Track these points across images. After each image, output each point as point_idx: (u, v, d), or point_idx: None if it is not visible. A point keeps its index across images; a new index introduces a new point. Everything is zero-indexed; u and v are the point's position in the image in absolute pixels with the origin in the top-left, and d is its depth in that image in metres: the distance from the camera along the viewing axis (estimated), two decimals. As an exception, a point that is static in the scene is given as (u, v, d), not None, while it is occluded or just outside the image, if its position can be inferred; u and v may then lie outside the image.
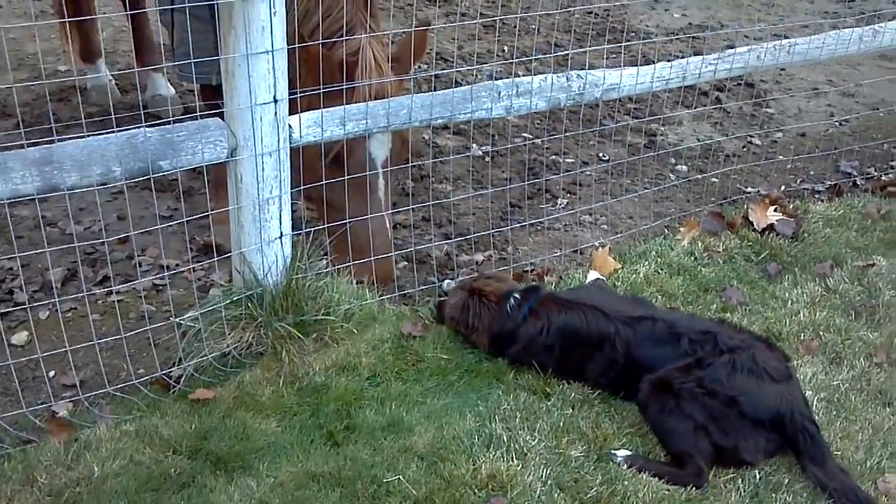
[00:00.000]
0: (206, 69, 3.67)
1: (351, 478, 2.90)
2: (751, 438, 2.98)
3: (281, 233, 3.28)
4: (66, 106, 5.54)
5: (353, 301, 3.54)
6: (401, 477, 2.90)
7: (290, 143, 3.18)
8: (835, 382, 3.41)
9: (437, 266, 4.19)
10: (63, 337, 3.24)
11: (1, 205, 3.35)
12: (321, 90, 3.36)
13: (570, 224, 4.55)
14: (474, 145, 5.29)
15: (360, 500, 2.84)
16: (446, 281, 4.04)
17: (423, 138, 5.38)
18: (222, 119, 3.09)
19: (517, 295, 3.46)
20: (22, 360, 3.28)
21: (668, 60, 3.99)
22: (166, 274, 3.88)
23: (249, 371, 3.32)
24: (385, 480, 2.89)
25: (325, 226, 3.60)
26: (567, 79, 3.68)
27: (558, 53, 5.94)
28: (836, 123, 5.85)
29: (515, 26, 7.14)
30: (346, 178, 3.48)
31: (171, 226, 4.05)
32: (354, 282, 3.62)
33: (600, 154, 5.24)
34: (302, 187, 3.45)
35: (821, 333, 3.67)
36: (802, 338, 3.64)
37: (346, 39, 3.62)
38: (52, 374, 3.41)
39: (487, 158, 5.19)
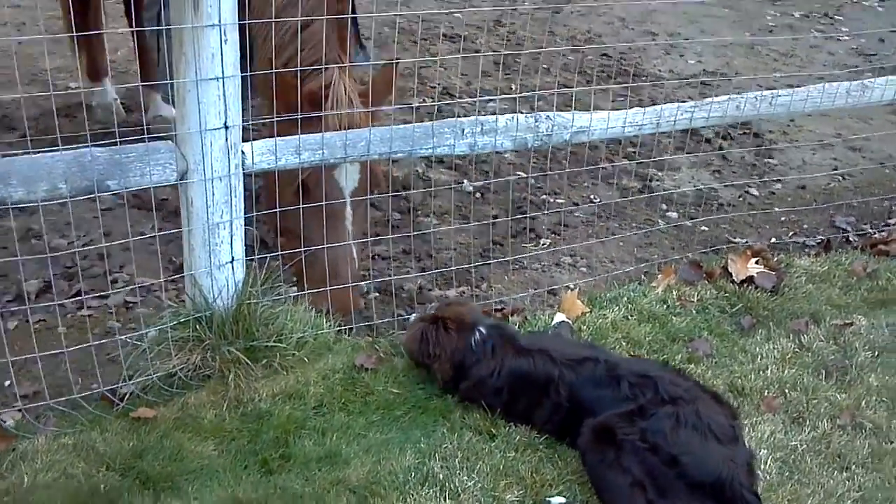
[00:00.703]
0: None
1: (277, 507, 2.88)
2: (687, 501, 2.89)
3: (232, 257, 3.28)
4: (72, 122, 5.63)
5: (307, 330, 3.53)
6: (327, 509, 2.87)
7: (244, 170, 3.19)
8: (793, 443, 3.30)
9: (409, 299, 4.17)
10: (28, 347, 3.27)
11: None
12: (286, 118, 3.39)
13: (549, 265, 4.52)
14: (465, 181, 5.28)
15: (284, 530, 2.82)
16: (413, 314, 4.01)
17: (417, 171, 5.39)
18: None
19: (482, 330, 3.40)
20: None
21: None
22: (132, 288, 3.91)
23: (195, 393, 3.32)
24: (311, 512, 2.87)
25: (285, 252, 3.61)
26: (535, 119, 3.66)
27: (561, 90, 5.94)
28: (839, 177, 5.75)
29: (526, 64, 7.15)
30: (303, 206, 3.49)
31: (151, 245, 4.07)
32: (313, 310, 3.61)
33: (592, 196, 5.20)
34: (259, 213, 3.47)
35: (786, 391, 3.57)
36: (766, 394, 3.54)
37: (320, 70, 3.64)
38: (7, 383, 3.43)
39: (478, 194, 5.18)
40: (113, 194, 4.80)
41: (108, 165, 3.00)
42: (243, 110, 3.19)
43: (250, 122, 3.50)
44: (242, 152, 3.19)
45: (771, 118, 5.13)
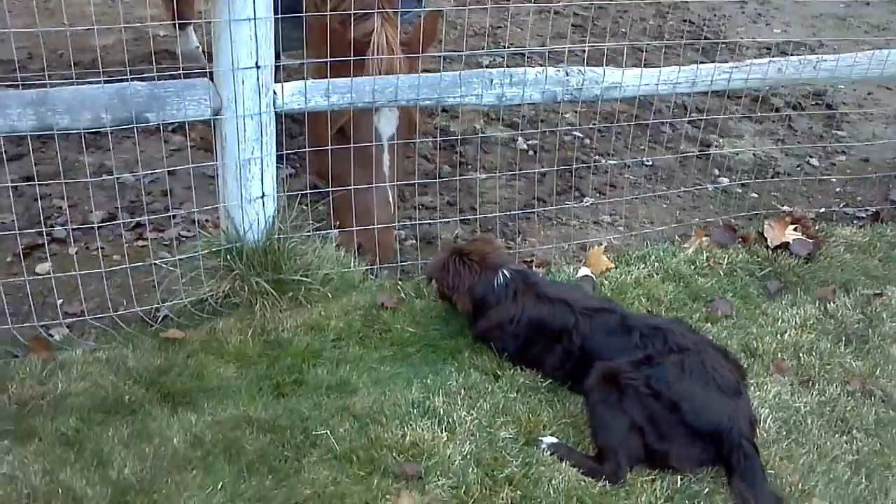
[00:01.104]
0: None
1: (284, 426, 3.07)
2: (684, 447, 2.96)
3: (263, 193, 3.47)
4: (155, 66, 5.93)
5: (333, 267, 3.70)
6: (328, 432, 3.04)
7: (275, 109, 3.37)
8: (797, 405, 3.32)
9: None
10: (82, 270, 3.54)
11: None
12: (329, 61, 3.52)
13: (588, 223, 4.57)
14: (520, 138, 5.36)
15: (286, 447, 3.00)
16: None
17: (475, 127, 5.49)
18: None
19: (506, 273, 3.47)
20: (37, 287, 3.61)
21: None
22: (183, 222, 4.15)
23: (223, 319, 3.54)
24: (314, 433, 3.05)
25: (322, 191, 3.78)
26: (567, 73, 3.72)
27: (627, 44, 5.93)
28: (907, 152, 5.60)
29: (604, 27, 7.12)
30: (342, 147, 3.62)
31: (210, 184, 4.31)
32: (341, 249, 3.78)
33: (646, 159, 5.21)
34: (288, 152, 3.63)
35: (801, 355, 3.58)
36: (779, 356, 3.55)
37: (365, 18, 3.77)
38: (60, 301, 3.73)
39: (531, 152, 5.25)
40: (183, 137, 5.15)
41: (148, 99, 3.22)
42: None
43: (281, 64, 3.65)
44: (274, 92, 3.36)
45: (813, 82, 5.00)
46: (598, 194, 4.87)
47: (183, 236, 4.31)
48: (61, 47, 6.06)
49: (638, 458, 2.99)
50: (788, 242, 4.19)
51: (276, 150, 3.49)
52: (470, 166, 5.04)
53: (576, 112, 5.74)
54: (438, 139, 4.76)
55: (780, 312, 3.83)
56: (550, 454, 3.02)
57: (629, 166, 5.15)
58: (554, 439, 3.08)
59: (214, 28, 3.21)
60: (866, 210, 4.83)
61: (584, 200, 4.76)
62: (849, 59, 4.13)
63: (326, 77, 3.51)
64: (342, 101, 3.45)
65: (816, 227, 4.39)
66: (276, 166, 3.53)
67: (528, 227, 4.49)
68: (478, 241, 3.70)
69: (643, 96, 4.05)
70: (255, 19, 3.15)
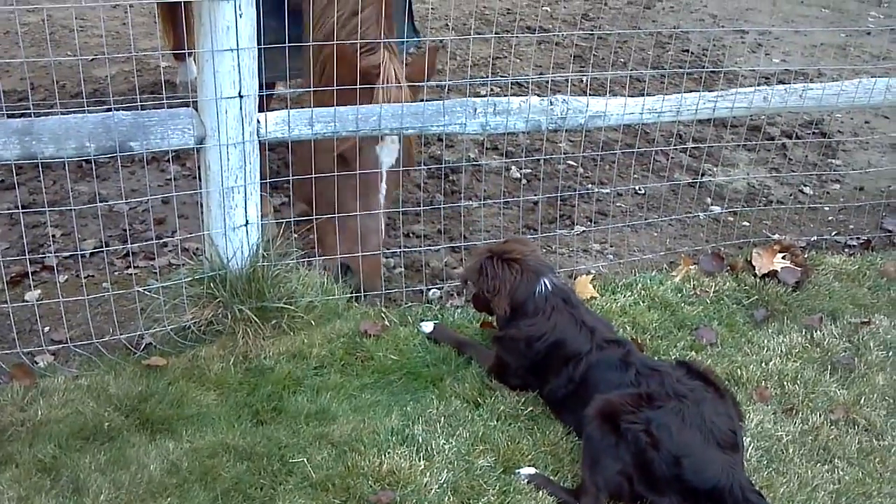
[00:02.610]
0: (280, 69, 3.90)
1: (261, 454, 3.08)
2: (676, 502, 2.90)
3: (246, 221, 3.50)
4: (156, 97, 6.02)
5: (317, 295, 3.71)
6: (305, 460, 3.05)
7: (258, 137, 3.40)
8: (779, 433, 3.31)
9: (433, 276, 4.31)
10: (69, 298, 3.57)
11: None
12: (338, 89, 3.56)
13: (577, 251, 4.57)
14: (513, 167, 5.38)
15: (262, 475, 3.01)
16: (433, 289, 4.17)
17: (469, 156, 5.52)
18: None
19: (548, 284, 3.39)
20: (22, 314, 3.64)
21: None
22: (173, 250, 4.19)
23: (206, 346, 3.55)
24: (291, 461, 3.06)
25: (309, 218, 3.80)
26: (550, 102, 3.74)
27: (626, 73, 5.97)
28: (903, 181, 5.58)
29: (603, 58, 7.17)
30: (339, 175, 3.71)
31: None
32: (325, 276, 3.79)
33: (638, 188, 5.22)
34: (272, 180, 3.68)
35: (785, 383, 3.56)
36: (762, 385, 3.54)
37: (371, 50, 3.81)
38: (46, 328, 3.75)
39: (524, 181, 5.26)
40: (180, 165, 5.20)
41: (132, 128, 3.25)
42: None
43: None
44: (258, 121, 3.39)
45: (798, 111, 5.00)
46: (588, 222, 4.88)
47: (174, 264, 4.34)
48: (64, 78, 6.16)
49: (620, 500, 2.96)
50: (776, 271, 4.18)
51: (264, 178, 3.52)
52: (462, 195, 5.06)
53: (571, 141, 5.77)
54: (431, 167, 4.78)
55: (765, 341, 3.81)
56: (527, 483, 3.01)
57: (621, 195, 5.16)
58: (533, 470, 3.07)
59: (198, 58, 3.25)
60: (858, 238, 4.81)
61: (574, 229, 4.76)
62: (835, 87, 4.14)
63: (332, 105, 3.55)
64: (326, 129, 3.48)
65: (805, 256, 4.39)
66: (265, 194, 3.56)
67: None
68: (512, 242, 3.61)
69: (628, 125, 4.07)
70: (238, 49, 3.19)
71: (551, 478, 3.06)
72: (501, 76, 6.75)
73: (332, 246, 3.89)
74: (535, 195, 5.07)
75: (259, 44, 3.40)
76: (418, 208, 4.37)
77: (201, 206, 3.57)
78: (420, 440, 3.16)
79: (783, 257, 4.25)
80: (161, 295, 3.55)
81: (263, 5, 3.43)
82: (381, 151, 3.86)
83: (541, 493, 2.98)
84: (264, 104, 3.72)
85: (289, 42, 3.60)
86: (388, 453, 3.08)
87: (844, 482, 3.10)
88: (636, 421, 2.92)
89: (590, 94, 4.12)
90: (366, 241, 3.84)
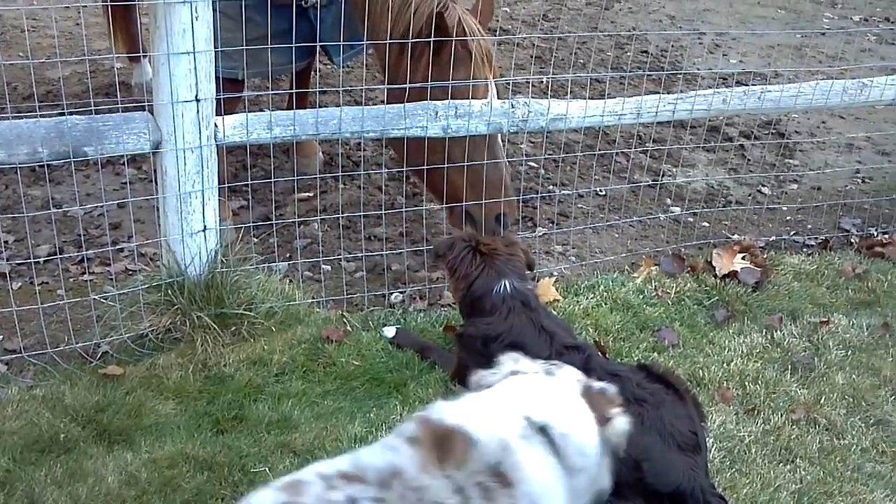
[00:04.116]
0: (233, 65, 3.83)
1: (222, 464, 3.03)
2: None
3: (204, 226, 3.44)
4: (110, 100, 5.92)
5: (277, 300, 3.67)
6: (267, 469, 3.00)
7: (216, 142, 3.35)
8: (741, 434, 3.32)
9: (395, 279, 4.28)
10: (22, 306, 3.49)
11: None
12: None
13: (540, 253, 4.56)
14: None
15: (223, 486, 2.97)
16: (395, 293, 4.14)
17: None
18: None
19: (509, 287, 3.38)
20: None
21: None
22: (130, 256, 4.12)
23: (164, 355, 3.49)
24: (253, 470, 3.01)
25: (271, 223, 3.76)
26: (512, 105, 3.73)
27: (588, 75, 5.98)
28: (859, 180, 5.64)
29: (563, 59, 7.18)
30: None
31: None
32: (286, 281, 3.75)
33: (599, 189, 5.23)
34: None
35: (746, 384, 3.58)
36: (724, 385, 3.56)
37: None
38: (0, 338, 3.67)
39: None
40: (136, 168, 5.12)
41: (86, 133, 3.19)
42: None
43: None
44: (215, 125, 3.34)
45: (756, 113, 5.04)
46: (550, 224, 4.87)
47: (131, 271, 4.26)
48: (16, 80, 6.03)
49: None
50: (737, 271, 4.21)
51: (223, 183, 3.47)
52: (424, 197, 5.03)
53: (532, 143, 5.77)
54: (392, 169, 4.75)
55: (726, 341, 3.83)
56: (492, 488, 2.99)
57: (582, 196, 5.16)
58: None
59: (154, 61, 3.20)
60: (815, 238, 4.86)
61: (536, 230, 4.76)
62: (793, 89, 4.18)
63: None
64: (285, 133, 3.45)
65: (765, 256, 4.42)
66: (223, 199, 3.51)
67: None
68: (500, 239, 3.60)
69: (588, 127, 4.07)
70: (194, 53, 3.14)
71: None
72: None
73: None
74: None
75: (240, 41, 3.39)
76: (380, 211, 4.33)
77: (158, 210, 3.51)
78: (384, 447, 3.12)
79: (743, 258, 4.28)
80: (118, 302, 3.48)
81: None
82: None
83: (506, 498, 2.95)
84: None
85: (271, 38, 3.56)
86: (352, 461, 3.05)
87: (806, 482, 3.12)
88: None
89: (550, 96, 4.13)
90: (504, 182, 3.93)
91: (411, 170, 4.20)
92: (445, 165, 3.82)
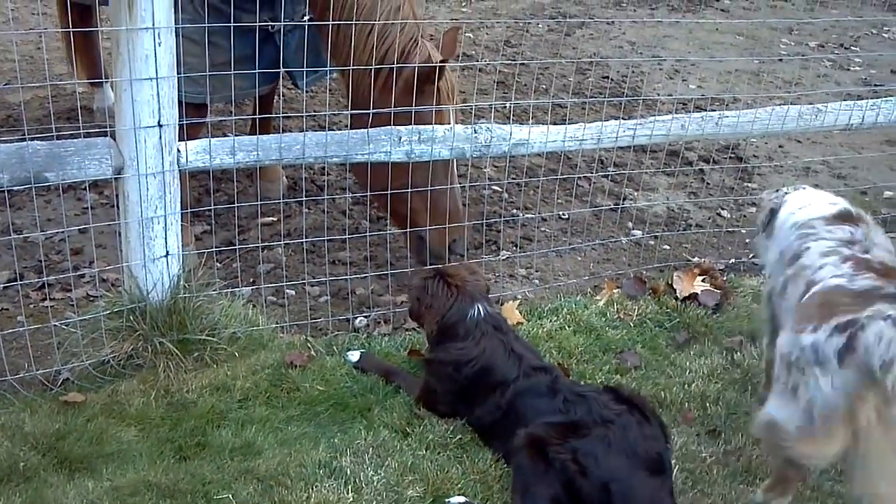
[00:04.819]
0: (199, 89, 3.85)
1: (184, 491, 3.00)
2: None
3: (167, 252, 3.43)
4: (72, 124, 5.87)
5: (240, 326, 3.66)
6: (231, 496, 2.98)
7: (178, 167, 3.35)
8: (703, 455, 3.36)
9: (359, 304, 4.28)
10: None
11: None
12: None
13: (504, 276, 4.60)
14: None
15: (186, 513, 2.94)
16: (360, 317, 4.14)
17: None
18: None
19: (482, 311, 3.43)
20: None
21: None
22: (92, 281, 4.08)
23: (126, 381, 3.47)
24: (216, 497, 2.99)
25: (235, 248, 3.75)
26: (475, 130, 3.77)
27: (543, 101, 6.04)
28: (816, 203, 5.74)
29: (525, 84, 7.26)
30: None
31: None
32: (250, 307, 3.74)
33: (562, 213, 5.28)
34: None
35: (707, 405, 3.62)
36: (686, 407, 3.59)
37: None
38: (-42, 365, 3.61)
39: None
40: (98, 194, 5.08)
41: (47, 158, 3.17)
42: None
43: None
44: (178, 150, 3.34)
45: (714, 138, 5.12)
46: (514, 247, 4.91)
47: (92, 296, 4.23)
48: (-25, 104, 5.99)
49: None
50: (697, 293, 4.27)
51: (185, 208, 3.46)
52: (387, 221, 5.05)
53: (496, 167, 5.82)
54: (356, 194, 4.76)
55: (687, 363, 3.88)
56: (458, 512, 3.00)
57: (546, 220, 5.21)
58: (462, 499, 3.06)
59: (116, 87, 3.19)
60: (774, 260, 4.93)
61: (500, 254, 4.79)
62: (750, 114, 4.25)
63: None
64: (248, 158, 3.45)
65: (725, 278, 4.49)
66: (186, 224, 3.50)
67: (443, 282, 4.49)
68: (461, 267, 3.69)
69: (551, 151, 4.12)
70: (157, 79, 3.14)
71: (480, 506, 3.06)
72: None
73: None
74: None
75: (204, 66, 3.40)
76: (344, 236, 4.34)
77: (120, 236, 3.49)
78: (348, 472, 3.12)
79: (703, 280, 4.35)
80: (79, 328, 3.46)
81: (213, 24, 3.54)
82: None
83: (471, 522, 2.97)
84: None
85: (237, 62, 3.58)
86: (316, 486, 3.04)
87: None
88: (563, 451, 2.93)
89: (513, 121, 4.18)
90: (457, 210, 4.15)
91: (373, 195, 4.27)
92: (395, 191, 3.94)
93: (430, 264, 4.04)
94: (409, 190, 3.90)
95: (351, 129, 3.82)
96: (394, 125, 3.71)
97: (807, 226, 3.24)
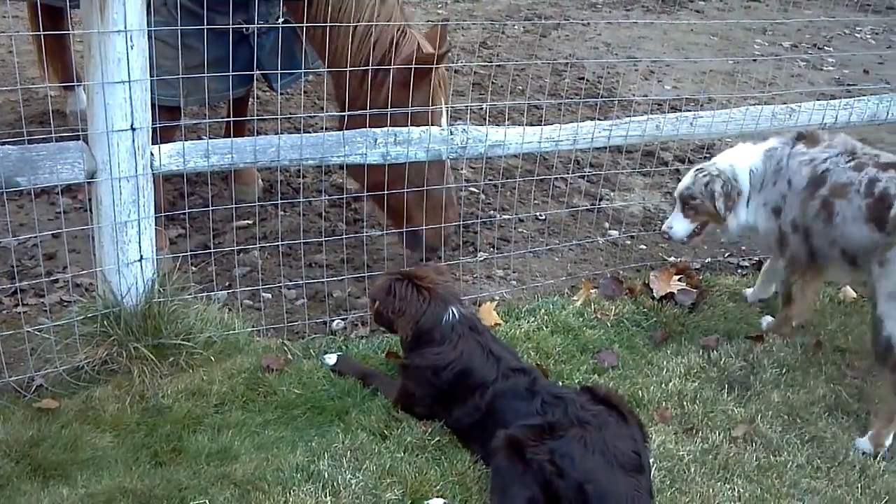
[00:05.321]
0: (173, 92, 3.82)
1: (160, 497, 2.98)
2: None
3: (141, 256, 3.40)
4: (45, 128, 5.81)
5: (216, 330, 3.63)
6: (207, 501, 2.96)
7: (152, 171, 3.32)
8: (681, 453, 3.36)
9: (336, 306, 4.26)
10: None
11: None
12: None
13: (481, 277, 4.59)
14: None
15: (162, 519, 2.91)
16: (337, 320, 4.12)
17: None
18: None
19: (456, 313, 3.40)
20: None
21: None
22: (66, 287, 4.04)
23: (101, 387, 3.43)
24: (193, 503, 2.96)
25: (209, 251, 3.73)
26: (451, 132, 3.76)
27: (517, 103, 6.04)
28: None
29: (502, 85, 7.27)
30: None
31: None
32: (226, 310, 3.72)
33: (539, 214, 5.28)
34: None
35: (685, 403, 3.63)
36: (663, 405, 3.61)
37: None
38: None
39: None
40: (71, 198, 5.04)
41: (18, 162, 3.13)
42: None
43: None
44: (151, 154, 3.31)
45: (689, 138, 5.13)
46: (491, 249, 4.91)
47: (66, 301, 4.19)
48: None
49: None
50: (673, 293, 4.29)
51: (159, 212, 3.44)
52: (365, 223, 5.04)
53: (472, 168, 5.82)
54: (333, 196, 4.75)
55: (664, 362, 3.89)
56: (437, 515, 2.99)
57: (522, 220, 5.21)
58: (441, 501, 3.05)
59: (88, 90, 3.16)
60: (749, 259, 4.97)
61: (478, 255, 4.79)
62: (724, 115, 4.28)
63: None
64: (223, 161, 3.43)
65: (700, 277, 4.51)
66: (160, 228, 3.48)
67: (420, 284, 4.48)
68: (427, 269, 3.63)
69: (527, 152, 4.13)
70: (129, 82, 3.11)
71: (460, 508, 3.05)
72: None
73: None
74: (438, 223, 5.08)
75: (178, 69, 3.39)
76: (320, 238, 4.33)
77: (93, 241, 3.46)
78: (326, 476, 3.10)
79: (679, 279, 4.37)
80: (52, 334, 3.42)
81: (187, 26, 3.52)
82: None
83: (449, 524, 2.96)
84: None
85: (212, 64, 3.56)
86: (294, 491, 3.02)
87: (744, 499, 3.17)
88: (540, 452, 2.93)
89: (489, 123, 4.18)
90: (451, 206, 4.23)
91: (370, 194, 4.31)
92: (386, 192, 3.90)
93: (426, 259, 4.14)
94: (406, 190, 3.91)
95: (346, 129, 3.82)
96: (390, 123, 3.75)
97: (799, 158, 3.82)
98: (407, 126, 3.79)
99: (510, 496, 2.94)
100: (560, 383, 3.60)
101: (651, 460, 3.27)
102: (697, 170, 4.01)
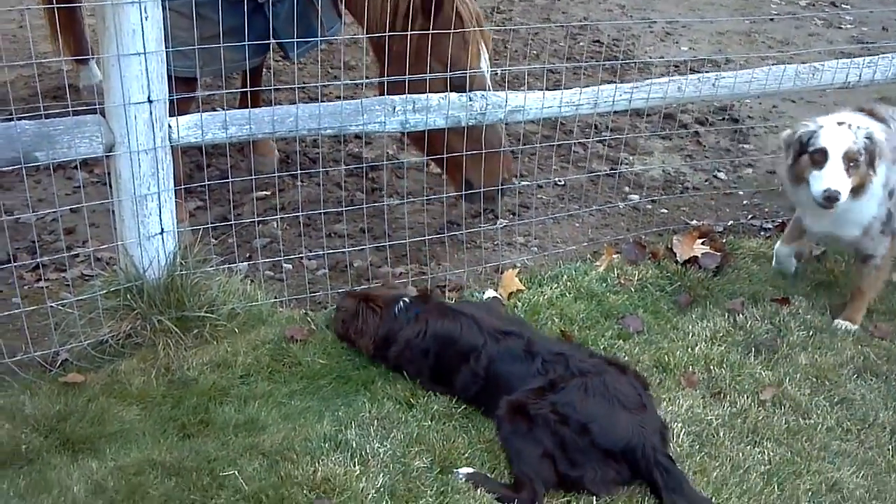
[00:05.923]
0: (188, 63, 3.78)
1: (190, 469, 2.98)
2: (598, 470, 2.96)
3: (161, 229, 3.38)
4: (59, 103, 5.79)
5: (239, 301, 3.62)
6: (237, 472, 2.96)
7: (170, 143, 3.29)
8: (709, 417, 3.35)
9: (358, 276, 4.25)
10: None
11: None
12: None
13: (502, 244, 4.56)
14: (433, 163, 5.34)
15: (192, 491, 2.91)
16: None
17: (388, 152, 5.46)
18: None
19: (406, 300, 3.53)
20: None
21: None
22: (87, 261, 4.03)
23: (126, 360, 3.43)
24: (222, 474, 2.96)
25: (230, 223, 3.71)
26: (470, 98, 3.71)
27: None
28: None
29: (516, 50, 7.18)
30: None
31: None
32: (248, 282, 3.70)
33: (558, 179, 5.24)
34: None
35: (711, 367, 3.61)
36: (690, 370, 3.58)
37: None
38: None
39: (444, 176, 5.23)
40: (88, 172, 5.02)
41: (36, 138, 3.11)
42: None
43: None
44: (169, 126, 3.28)
45: (711, 100, 5.04)
46: (511, 216, 4.87)
47: (87, 276, 4.18)
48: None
49: (555, 485, 2.98)
50: (697, 256, 4.25)
51: (178, 184, 3.41)
52: (384, 192, 5.00)
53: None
54: (351, 165, 4.71)
55: (690, 326, 3.86)
56: (466, 482, 2.99)
57: (542, 187, 5.17)
58: (470, 469, 3.04)
59: (103, 63, 3.13)
60: (773, 221, 4.91)
61: (498, 222, 4.75)
62: (747, 75, 4.21)
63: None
64: (241, 132, 3.40)
65: (724, 241, 4.46)
66: (180, 200, 3.46)
67: (441, 252, 4.47)
68: (382, 287, 3.80)
69: (546, 118, 4.08)
70: (145, 53, 3.07)
71: (488, 475, 3.04)
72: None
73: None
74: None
75: (193, 40, 3.34)
76: (340, 208, 4.30)
77: (113, 214, 3.44)
78: (354, 445, 3.09)
79: (702, 243, 4.32)
80: (75, 309, 3.41)
81: None
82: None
83: (479, 491, 2.95)
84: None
85: (227, 34, 3.52)
86: (322, 460, 3.01)
87: (775, 462, 3.15)
88: (542, 406, 3.00)
89: (507, 89, 4.13)
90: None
91: (431, 158, 4.46)
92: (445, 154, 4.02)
93: (483, 210, 4.49)
94: (465, 153, 4.00)
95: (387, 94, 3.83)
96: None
97: None
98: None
99: (524, 458, 2.98)
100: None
101: (679, 425, 3.27)
102: (846, 125, 3.66)
